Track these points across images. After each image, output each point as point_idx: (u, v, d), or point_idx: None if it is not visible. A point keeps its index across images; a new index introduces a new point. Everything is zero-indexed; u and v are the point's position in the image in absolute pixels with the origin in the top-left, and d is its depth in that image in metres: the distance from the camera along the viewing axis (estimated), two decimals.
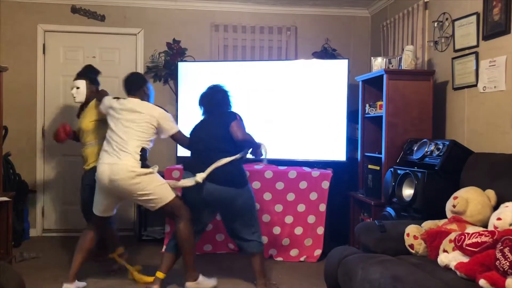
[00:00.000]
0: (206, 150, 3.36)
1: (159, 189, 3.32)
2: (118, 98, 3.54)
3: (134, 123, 3.35)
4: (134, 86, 3.54)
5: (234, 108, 3.57)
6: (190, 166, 3.41)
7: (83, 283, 3.55)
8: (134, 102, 3.44)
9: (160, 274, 3.37)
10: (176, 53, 5.20)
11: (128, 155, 3.26)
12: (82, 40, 5.14)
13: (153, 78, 5.18)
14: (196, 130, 3.52)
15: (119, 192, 3.33)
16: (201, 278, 3.43)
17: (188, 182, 3.31)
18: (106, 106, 3.53)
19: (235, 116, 3.40)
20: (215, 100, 3.53)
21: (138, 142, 3.31)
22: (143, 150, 3.33)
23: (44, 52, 5.08)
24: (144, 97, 3.55)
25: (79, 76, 3.87)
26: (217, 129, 3.37)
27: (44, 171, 5.10)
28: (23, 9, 5.01)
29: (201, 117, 3.58)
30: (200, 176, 3.24)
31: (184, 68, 4.91)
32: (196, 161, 3.39)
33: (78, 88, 3.84)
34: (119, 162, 3.24)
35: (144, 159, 3.32)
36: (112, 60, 5.22)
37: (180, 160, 4.85)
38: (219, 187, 3.27)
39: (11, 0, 4.96)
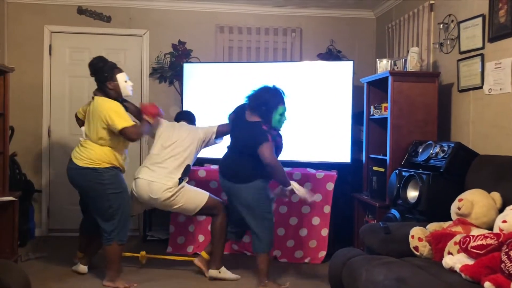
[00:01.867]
0: (236, 156, 3.48)
1: (192, 199, 3.62)
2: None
3: (186, 144, 3.61)
4: (190, 120, 3.93)
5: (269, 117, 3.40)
6: (223, 170, 3.54)
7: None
8: (186, 126, 3.78)
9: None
10: (181, 54, 5.22)
11: (167, 176, 3.51)
12: (88, 41, 5.15)
13: (159, 79, 5.21)
14: (236, 130, 3.56)
15: (156, 206, 3.71)
16: (223, 269, 3.67)
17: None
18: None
19: (267, 138, 3.28)
20: (259, 100, 3.41)
21: (182, 161, 3.56)
22: (187, 167, 3.60)
23: (50, 53, 5.10)
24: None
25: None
26: (247, 141, 3.38)
27: (49, 171, 5.11)
28: (29, 10, 5.03)
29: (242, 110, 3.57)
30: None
31: (189, 69, 4.92)
32: (228, 165, 3.51)
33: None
34: (158, 182, 3.50)
35: (185, 174, 3.58)
36: (118, 61, 5.10)
37: None
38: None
39: (17, 1, 4.99)
